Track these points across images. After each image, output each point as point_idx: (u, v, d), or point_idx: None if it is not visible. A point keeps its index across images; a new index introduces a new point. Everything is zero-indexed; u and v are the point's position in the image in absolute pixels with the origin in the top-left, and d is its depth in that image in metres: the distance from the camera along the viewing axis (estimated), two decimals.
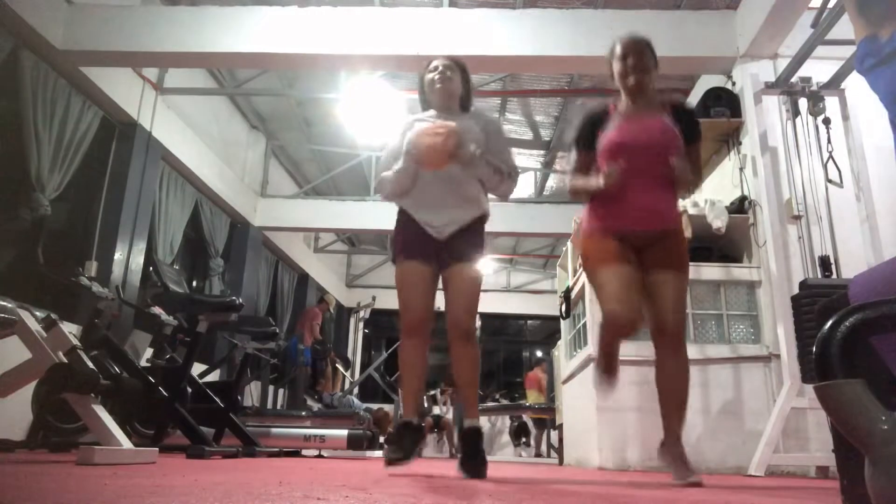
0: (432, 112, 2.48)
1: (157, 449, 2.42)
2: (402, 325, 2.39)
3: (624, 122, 2.35)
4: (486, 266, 11.58)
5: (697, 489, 2.00)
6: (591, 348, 2.49)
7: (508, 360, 13.68)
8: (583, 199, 2.46)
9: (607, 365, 2.40)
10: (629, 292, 2.23)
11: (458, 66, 2.52)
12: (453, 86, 2.46)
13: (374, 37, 4.70)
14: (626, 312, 2.20)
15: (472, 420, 2.37)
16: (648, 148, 2.28)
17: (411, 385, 2.40)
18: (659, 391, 2.33)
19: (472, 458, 2.26)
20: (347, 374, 9.71)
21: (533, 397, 9.61)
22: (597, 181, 2.30)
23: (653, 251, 2.31)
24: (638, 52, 2.37)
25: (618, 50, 2.40)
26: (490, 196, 2.53)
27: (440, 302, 2.38)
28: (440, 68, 2.45)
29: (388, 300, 10.12)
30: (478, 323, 11.72)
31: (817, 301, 1.13)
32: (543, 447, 9.18)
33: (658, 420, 2.35)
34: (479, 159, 2.31)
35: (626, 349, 2.33)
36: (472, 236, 2.39)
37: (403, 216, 2.44)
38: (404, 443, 2.26)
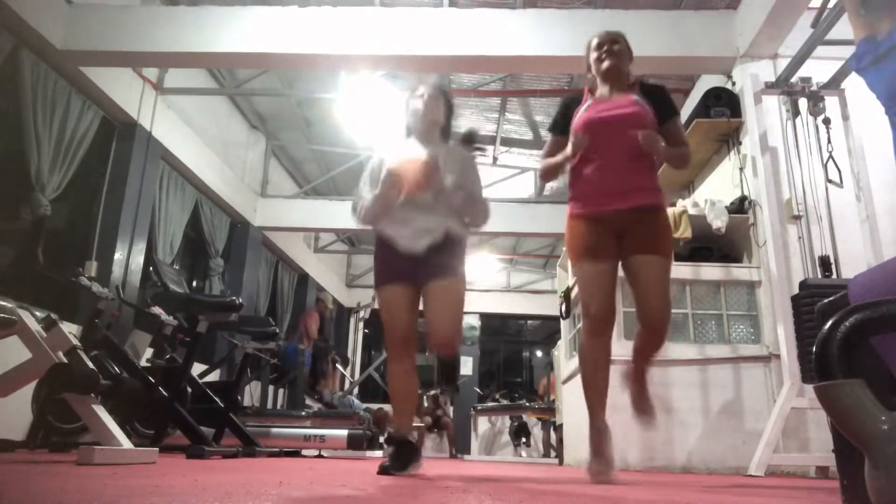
0: (412, 140, 2.53)
1: (157, 449, 2.42)
2: (388, 347, 2.44)
3: (595, 103, 2.39)
4: (486, 267, 11.58)
5: (696, 490, 2.00)
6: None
7: (508, 360, 13.68)
8: (556, 178, 2.49)
9: (602, 446, 2.25)
10: (602, 286, 2.29)
11: (444, 95, 2.56)
12: (436, 115, 2.50)
13: (374, 37, 4.70)
14: (596, 308, 2.28)
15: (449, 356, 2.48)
16: (618, 122, 2.30)
17: (403, 409, 2.46)
18: (634, 344, 2.41)
19: (449, 377, 2.39)
20: (347, 372, 9.71)
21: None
22: (564, 153, 2.34)
23: (634, 234, 2.30)
24: (612, 41, 2.43)
25: (594, 41, 2.48)
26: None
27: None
28: (425, 97, 2.49)
29: None
30: (477, 324, 11.68)
31: (817, 301, 1.13)
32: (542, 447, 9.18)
33: (657, 419, 2.39)
34: (454, 190, 2.35)
35: (627, 350, 2.33)
36: (448, 253, 2.38)
37: (380, 241, 2.47)
38: (402, 460, 2.31)
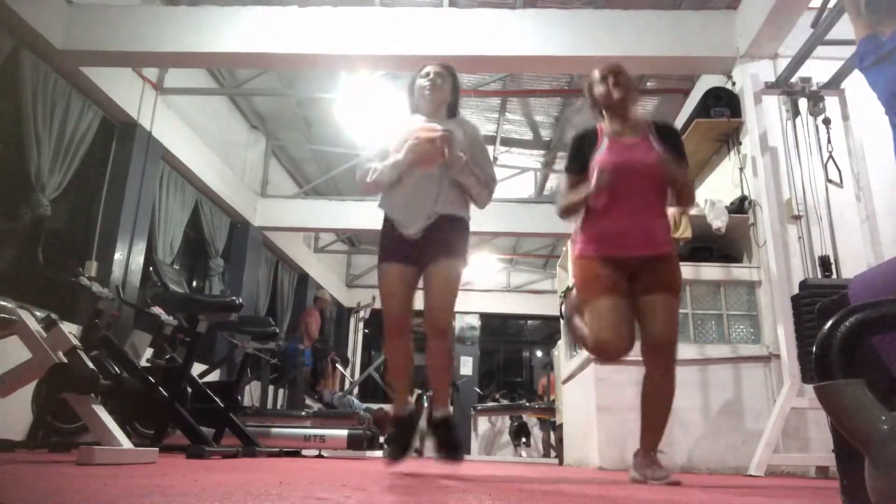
0: (420, 117, 2.52)
1: (157, 449, 2.42)
2: (385, 325, 2.44)
3: (613, 144, 2.38)
4: (486, 267, 11.58)
5: (696, 490, 2.00)
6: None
7: (508, 360, 13.68)
8: (575, 217, 2.47)
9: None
10: (620, 323, 2.28)
11: (450, 73, 2.55)
12: (443, 93, 2.51)
13: (374, 37, 4.70)
14: (616, 343, 2.28)
15: (442, 410, 2.38)
16: (639, 170, 2.32)
17: (400, 383, 2.49)
18: (642, 403, 2.38)
19: (447, 445, 2.30)
20: (347, 372, 9.70)
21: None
22: (587, 188, 2.33)
23: (645, 276, 2.33)
24: (616, 73, 2.43)
25: (595, 75, 2.47)
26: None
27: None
28: (431, 75, 2.49)
29: None
30: (477, 324, 11.72)
31: (817, 301, 1.13)
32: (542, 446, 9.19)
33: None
34: (465, 165, 2.35)
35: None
36: (447, 236, 2.37)
37: (386, 221, 2.47)
38: (401, 439, 2.33)
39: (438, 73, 2.50)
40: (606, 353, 2.33)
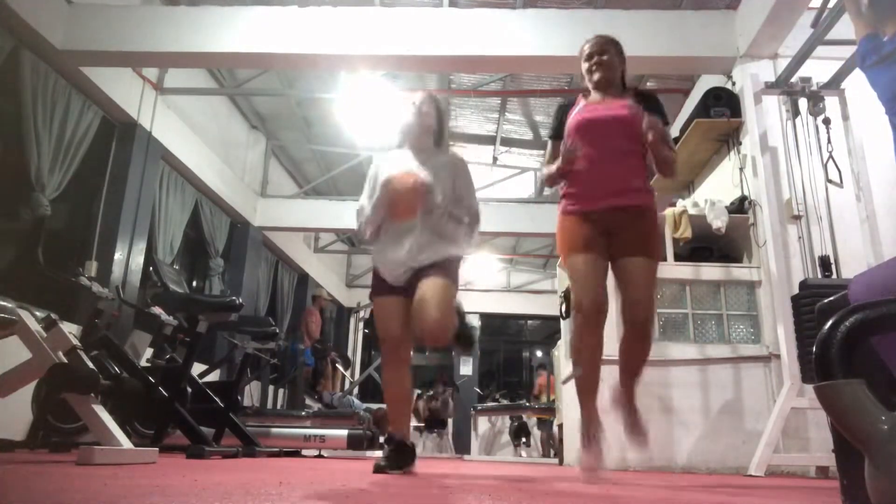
0: (404, 151, 2.60)
1: (157, 449, 2.42)
2: (382, 353, 2.52)
3: (587, 105, 2.43)
4: (486, 267, 11.57)
5: (696, 490, 2.00)
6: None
7: (508, 360, 13.68)
8: (557, 184, 2.50)
9: (590, 453, 2.26)
10: (593, 280, 2.30)
11: (434, 102, 2.64)
12: (428, 121, 2.58)
13: (374, 37, 4.70)
14: (590, 299, 2.28)
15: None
16: (610, 123, 2.34)
17: (399, 413, 2.53)
18: (620, 360, 2.43)
19: (397, 461, 2.35)
20: (347, 373, 9.70)
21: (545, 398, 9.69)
22: (557, 162, 2.37)
23: (624, 234, 2.33)
24: (601, 51, 2.47)
25: (584, 50, 2.52)
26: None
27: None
28: (416, 103, 2.59)
29: None
30: (478, 323, 11.67)
31: (817, 301, 1.13)
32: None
33: (656, 418, 2.39)
34: (444, 211, 2.43)
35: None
36: (440, 266, 2.41)
37: (375, 263, 2.55)
38: (398, 461, 2.34)
39: (423, 102, 2.60)
40: (582, 310, 2.31)
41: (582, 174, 2.36)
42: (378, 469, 2.27)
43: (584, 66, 2.50)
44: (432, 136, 2.61)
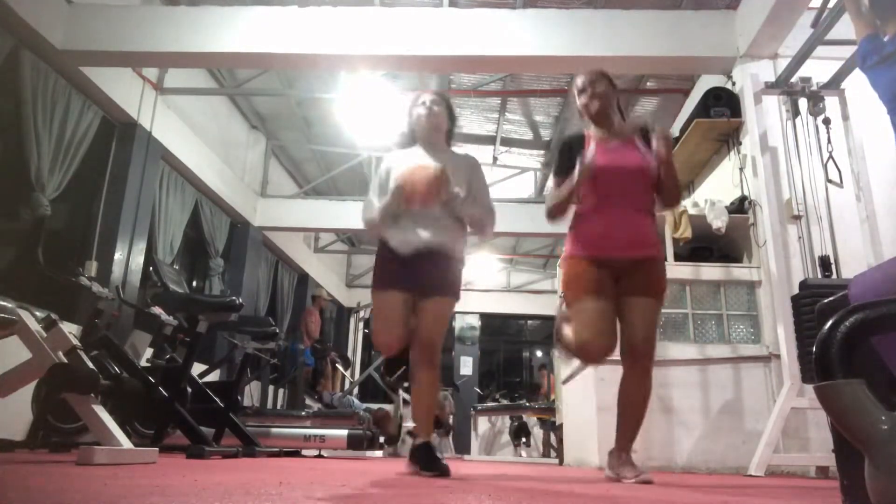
0: (417, 147, 2.57)
1: (157, 449, 2.42)
2: (376, 346, 2.51)
3: (600, 148, 2.41)
4: (486, 267, 11.57)
5: (696, 490, 2.00)
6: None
7: (508, 360, 13.68)
8: (562, 217, 2.47)
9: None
10: (601, 324, 2.30)
11: (444, 101, 2.62)
12: (439, 120, 2.56)
13: (374, 37, 4.70)
14: (596, 343, 2.29)
15: (422, 437, 2.39)
16: (626, 173, 2.35)
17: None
18: (619, 404, 2.41)
19: (429, 466, 2.27)
20: (347, 373, 9.70)
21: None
22: (569, 184, 2.34)
23: (631, 278, 2.35)
24: (592, 83, 2.46)
25: (577, 83, 2.52)
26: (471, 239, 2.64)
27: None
28: (427, 103, 2.55)
29: None
30: (477, 324, 11.65)
31: (817, 301, 1.13)
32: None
33: (656, 418, 2.39)
34: (463, 202, 2.43)
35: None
36: (446, 268, 2.43)
37: (382, 246, 2.51)
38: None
39: (434, 101, 2.57)
40: (587, 353, 2.35)
41: (594, 221, 2.37)
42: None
43: (580, 101, 2.50)
44: (444, 135, 2.59)
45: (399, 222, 2.43)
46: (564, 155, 2.49)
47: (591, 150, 2.40)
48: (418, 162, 2.45)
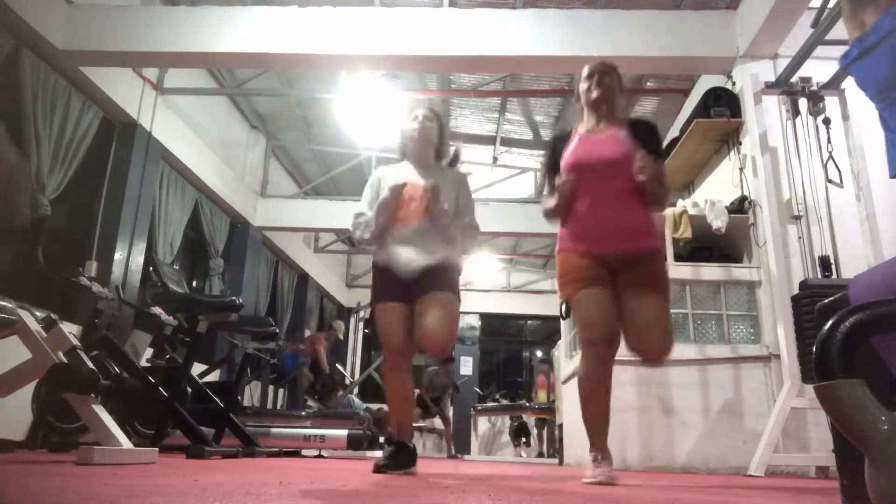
0: (406, 164, 2.63)
1: (157, 449, 2.42)
2: (385, 358, 2.55)
3: (580, 142, 2.38)
4: (486, 267, 11.57)
5: (696, 490, 2.00)
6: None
7: (508, 360, 13.68)
8: (557, 218, 2.44)
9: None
10: (602, 309, 2.21)
11: (436, 117, 2.68)
12: (430, 135, 2.62)
13: (374, 37, 4.70)
14: (600, 327, 2.20)
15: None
16: (604, 164, 2.29)
17: (402, 415, 2.54)
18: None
19: (398, 461, 2.35)
20: (347, 372, 9.69)
21: (542, 397, 9.69)
22: (552, 200, 2.34)
23: (630, 273, 2.25)
24: (602, 73, 2.43)
25: (584, 70, 2.48)
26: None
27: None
28: (419, 118, 2.61)
29: None
30: (477, 324, 11.59)
31: (817, 301, 1.13)
32: (543, 446, 9.19)
33: (656, 418, 2.38)
34: (451, 219, 2.47)
35: (623, 350, 2.32)
36: (441, 275, 2.45)
37: (377, 263, 2.55)
38: (399, 461, 2.36)
39: (426, 117, 2.63)
40: (594, 341, 2.21)
41: (581, 218, 2.30)
42: (378, 469, 2.28)
43: (583, 85, 2.44)
44: (433, 149, 2.64)
45: (393, 241, 2.48)
46: (552, 151, 2.49)
47: (573, 143, 2.39)
48: (408, 178, 2.51)
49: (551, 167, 2.45)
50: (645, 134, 2.34)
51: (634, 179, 2.20)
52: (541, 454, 9.14)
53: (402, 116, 2.73)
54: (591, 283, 2.24)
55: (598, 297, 2.22)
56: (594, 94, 2.39)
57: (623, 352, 2.30)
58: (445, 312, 2.38)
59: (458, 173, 2.68)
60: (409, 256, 2.43)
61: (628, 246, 2.26)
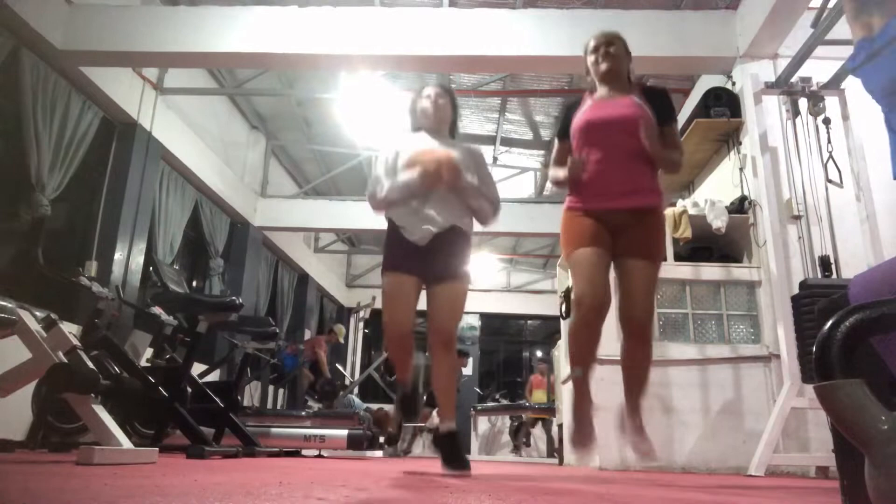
0: (423, 134, 2.62)
1: (157, 449, 2.42)
2: (386, 332, 2.53)
3: (593, 105, 2.43)
4: (486, 267, 11.57)
5: (696, 490, 2.00)
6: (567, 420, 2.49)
7: (508, 360, 13.68)
8: (563, 188, 2.50)
9: (582, 431, 2.35)
10: (597, 275, 2.29)
11: (448, 94, 2.68)
12: (445, 113, 2.62)
13: (374, 37, 4.70)
14: (592, 294, 2.26)
15: (447, 423, 2.44)
16: (616, 123, 2.33)
17: (404, 365, 2.55)
18: (623, 370, 2.42)
19: (452, 458, 2.33)
20: (347, 372, 9.68)
21: (538, 397, 9.68)
22: (563, 172, 2.38)
23: (629, 234, 2.32)
24: (608, 43, 2.46)
25: (590, 43, 2.51)
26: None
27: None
28: (433, 95, 2.60)
29: None
30: (477, 324, 11.61)
31: (817, 301, 1.13)
32: (544, 446, 9.18)
33: (656, 418, 2.39)
34: (473, 187, 2.47)
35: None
36: (454, 251, 2.47)
37: (391, 229, 2.54)
38: (412, 408, 2.49)
39: (439, 94, 2.62)
40: (584, 306, 2.28)
41: (590, 174, 2.35)
42: (399, 418, 2.39)
43: (591, 58, 2.48)
44: (448, 126, 2.65)
45: (409, 204, 2.45)
46: (563, 117, 2.53)
47: (584, 107, 2.43)
48: (429, 146, 2.50)
49: (562, 133, 2.50)
50: (659, 100, 2.40)
51: (641, 140, 2.28)
52: (514, 450, 9.10)
53: (411, 99, 2.72)
54: (591, 243, 2.31)
55: (594, 260, 2.30)
56: (603, 66, 2.43)
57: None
58: (455, 304, 2.44)
59: (474, 148, 2.68)
60: (425, 224, 2.43)
61: (632, 203, 2.32)
